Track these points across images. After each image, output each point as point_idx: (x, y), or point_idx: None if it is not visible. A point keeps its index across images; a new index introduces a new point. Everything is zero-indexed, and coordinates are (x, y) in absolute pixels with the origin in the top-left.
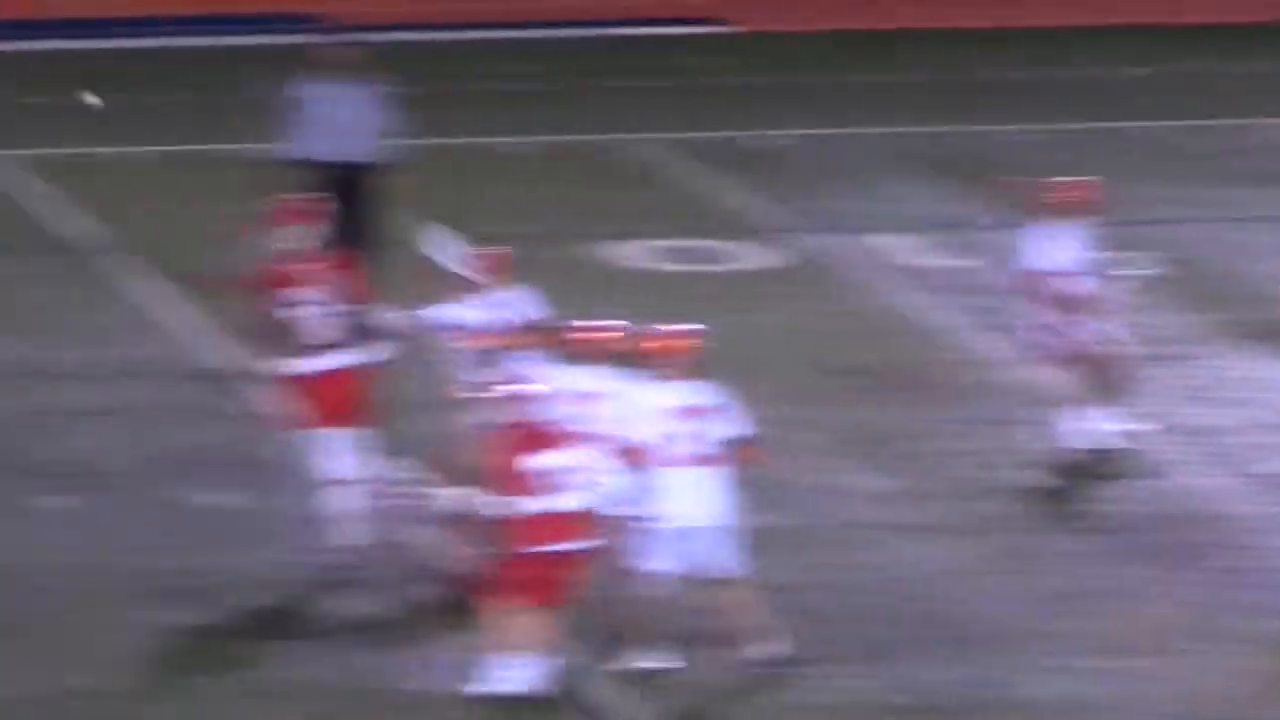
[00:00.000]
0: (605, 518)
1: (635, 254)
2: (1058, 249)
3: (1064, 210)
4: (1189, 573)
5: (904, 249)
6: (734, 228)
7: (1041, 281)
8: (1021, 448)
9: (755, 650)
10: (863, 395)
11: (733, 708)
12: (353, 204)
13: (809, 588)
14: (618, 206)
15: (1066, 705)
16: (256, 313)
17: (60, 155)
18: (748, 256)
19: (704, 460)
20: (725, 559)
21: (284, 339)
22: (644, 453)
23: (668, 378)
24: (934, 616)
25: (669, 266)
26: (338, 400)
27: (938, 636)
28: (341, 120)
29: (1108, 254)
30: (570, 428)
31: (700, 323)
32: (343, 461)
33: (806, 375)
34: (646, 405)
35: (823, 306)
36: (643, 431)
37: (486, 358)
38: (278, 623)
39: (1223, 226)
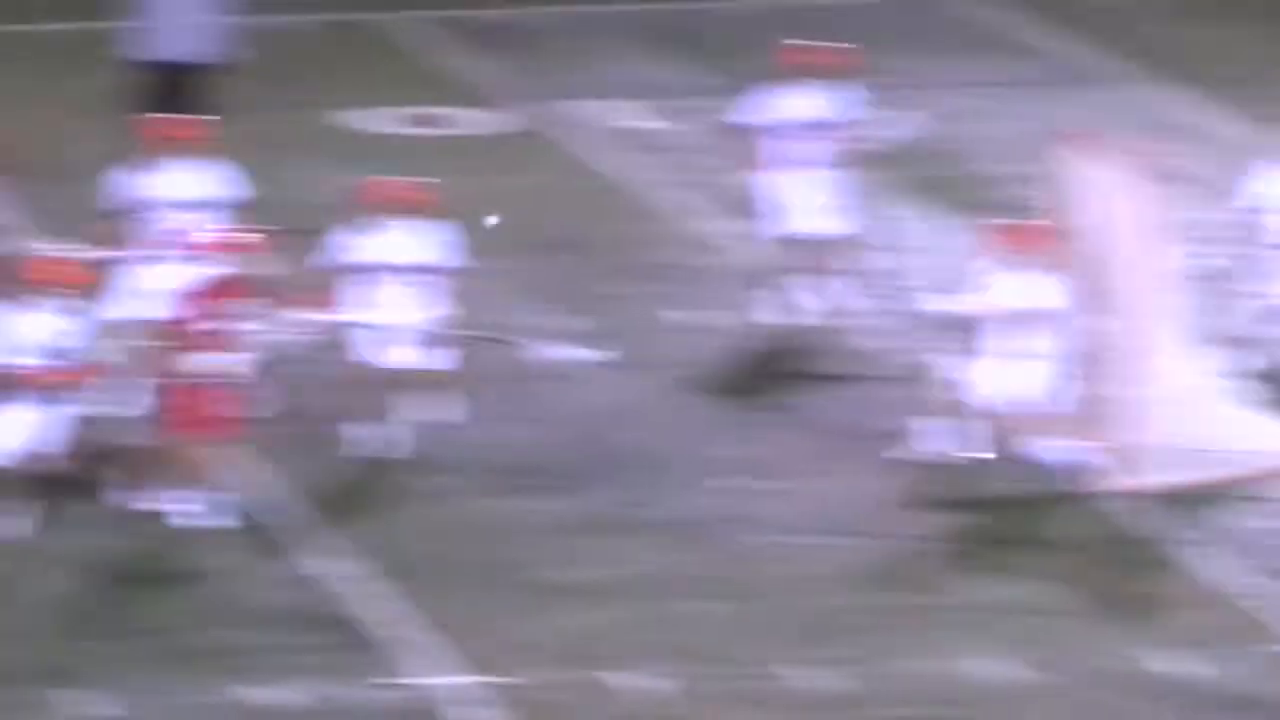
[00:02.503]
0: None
1: (379, 120)
2: (784, 108)
3: (807, 72)
4: (838, 404)
5: (627, 113)
6: (473, 97)
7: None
8: (708, 299)
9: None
10: (555, 252)
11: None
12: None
13: (508, 419)
14: (368, 78)
15: (716, 519)
16: None
17: None
18: (484, 122)
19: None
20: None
21: None
22: None
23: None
24: (608, 445)
25: (408, 130)
26: None
27: (611, 463)
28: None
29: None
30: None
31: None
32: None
33: (514, 233)
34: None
35: (545, 167)
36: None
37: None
38: None
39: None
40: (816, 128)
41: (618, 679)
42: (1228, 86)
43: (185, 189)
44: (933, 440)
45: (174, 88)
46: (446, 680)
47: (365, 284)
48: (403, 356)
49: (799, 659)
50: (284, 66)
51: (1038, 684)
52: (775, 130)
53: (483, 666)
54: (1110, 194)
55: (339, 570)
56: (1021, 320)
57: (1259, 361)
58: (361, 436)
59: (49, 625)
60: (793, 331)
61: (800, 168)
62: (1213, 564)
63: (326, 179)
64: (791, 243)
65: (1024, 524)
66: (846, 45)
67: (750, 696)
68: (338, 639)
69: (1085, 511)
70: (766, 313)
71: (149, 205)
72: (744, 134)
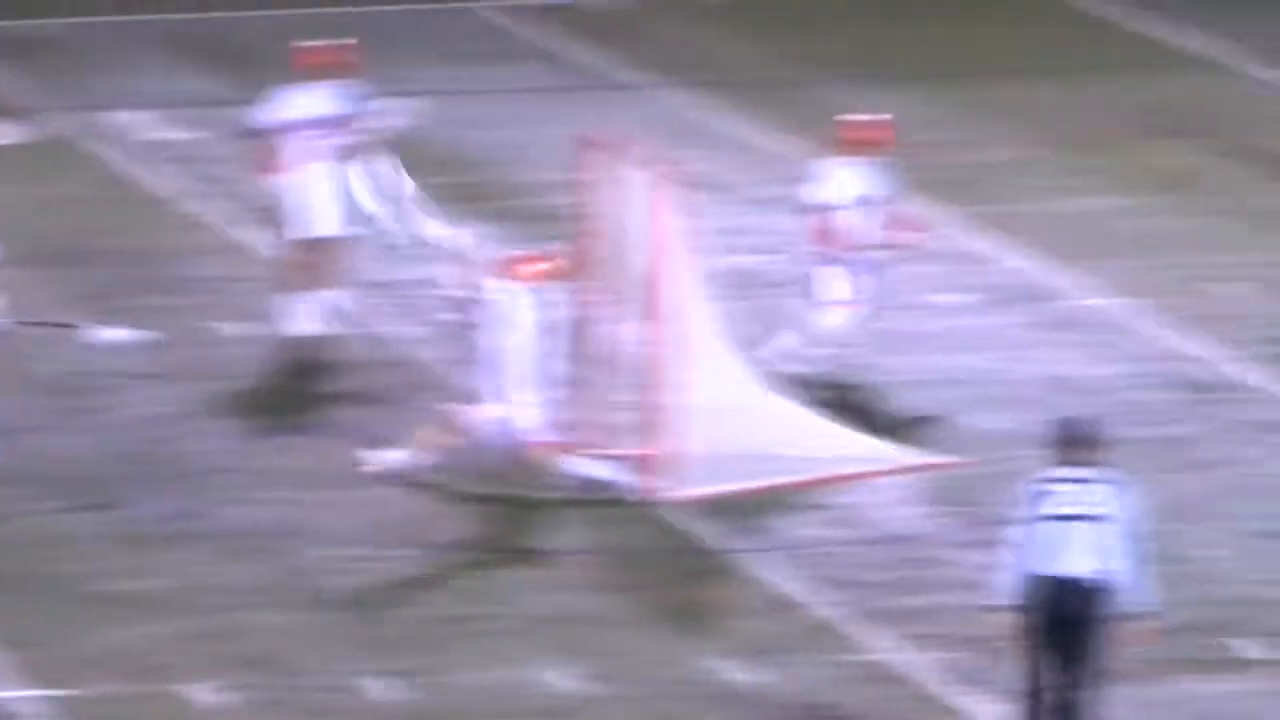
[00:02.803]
0: None
1: None
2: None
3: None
4: (384, 411)
5: (154, 124)
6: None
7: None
8: (248, 310)
9: None
10: (92, 263)
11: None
12: None
13: (58, 429)
14: None
15: (271, 530)
16: None
17: None
18: (9, 133)
19: None
20: None
21: None
22: None
23: None
24: (161, 457)
25: None
26: None
27: (164, 474)
28: None
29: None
30: None
31: None
32: None
33: (50, 243)
34: None
35: (76, 178)
36: None
37: None
38: None
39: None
40: (324, 124)
41: (186, 691)
42: (756, 92)
43: None
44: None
45: None
46: (10, 694)
47: None
48: None
49: (366, 670)
50: None
51: (604, 694)
52: (288, 130)
53: (47, 680)
54: (637, 200)
55: None
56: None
57: (811, 366)
58: None
59: None
60: (325, 340)
61: (315, 166)
62: (771, 572)
63: None
64: (315, 245)
65: (580, 534)
66: (349, 42)
67: (319, 709)
68: None
69: (641, 521)
70: (301, 321)
71: None
72: (260, 137)
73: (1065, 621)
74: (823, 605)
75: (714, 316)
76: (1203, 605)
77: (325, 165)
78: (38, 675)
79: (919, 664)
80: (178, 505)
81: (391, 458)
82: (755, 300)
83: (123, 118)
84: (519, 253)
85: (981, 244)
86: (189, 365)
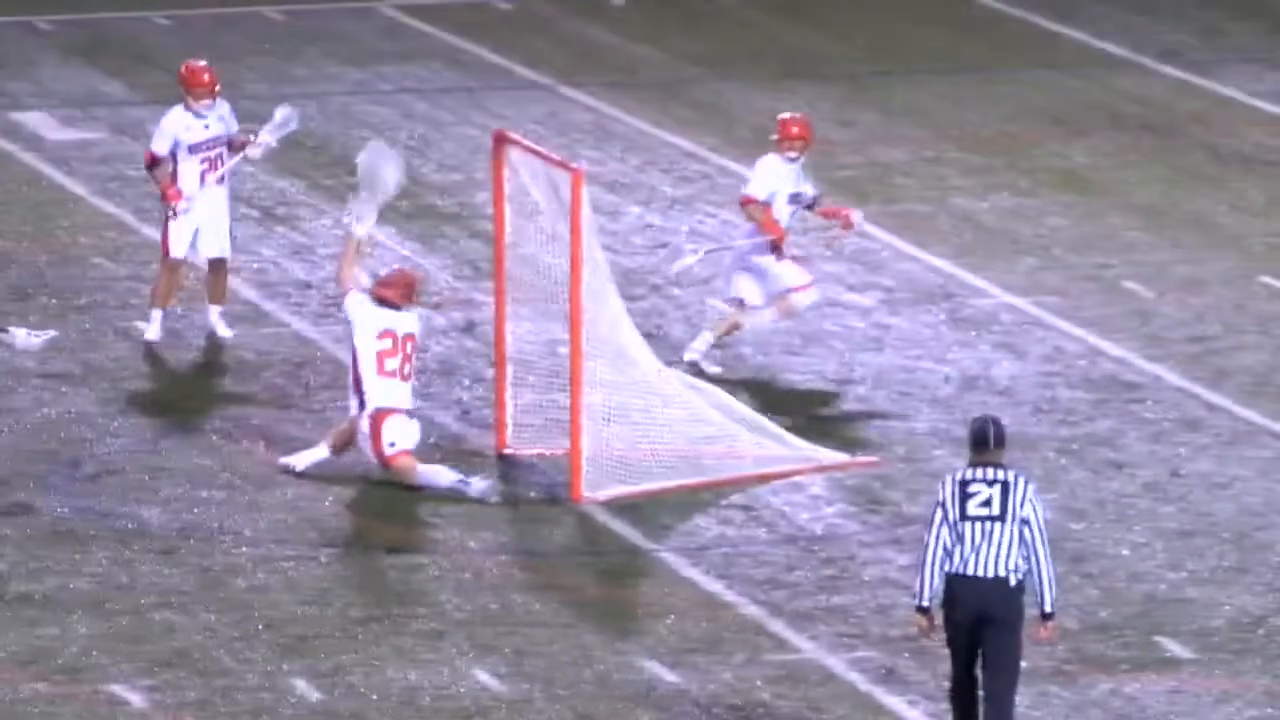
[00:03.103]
0: None
1: None
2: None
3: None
4: (299, 412)
5: (40, 124)
6: None
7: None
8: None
9: None
10: None
11: None
12: None
13: None
14: None
15: (181, 530)
16: None
17: None
18: None
19: None
20: None
21: None
22: None
23: None
24: (69, 455)
25: None
26: None
27: (72, 473)
28: None
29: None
30: None
31: None
32: None
33: None
34: None
35: None
36: None
37: None
38: None
39: (324, 102)
40: (211, 145)
41: (111, 691)
42: (662, 91)
43: None
44: None
45: None
46: None
47: None
48: None
49: (288, 670)
50: None
51: (527, 695)
52: (179, 153)
53: None
54: (549, 199)
55: None
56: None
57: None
58: None
59: None
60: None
61: (206, 187)
62: (695, 571)
63: None
64: (212, 264)
65: (501, 534)
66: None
67: (245, 708)
68: None
69: (563, 521)
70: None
71: None
72: (158, 164)
73: (982, 620)
74: (747, 605)
75: (628, 316)
76: (1130, 605)
77: (214, 186)
78: None
79: (845, 664)
80: (92, 503)
81: (310, 457)
82: (666, 299)
83: (31, 117)
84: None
85: (890, 242)
86: (99, 366)
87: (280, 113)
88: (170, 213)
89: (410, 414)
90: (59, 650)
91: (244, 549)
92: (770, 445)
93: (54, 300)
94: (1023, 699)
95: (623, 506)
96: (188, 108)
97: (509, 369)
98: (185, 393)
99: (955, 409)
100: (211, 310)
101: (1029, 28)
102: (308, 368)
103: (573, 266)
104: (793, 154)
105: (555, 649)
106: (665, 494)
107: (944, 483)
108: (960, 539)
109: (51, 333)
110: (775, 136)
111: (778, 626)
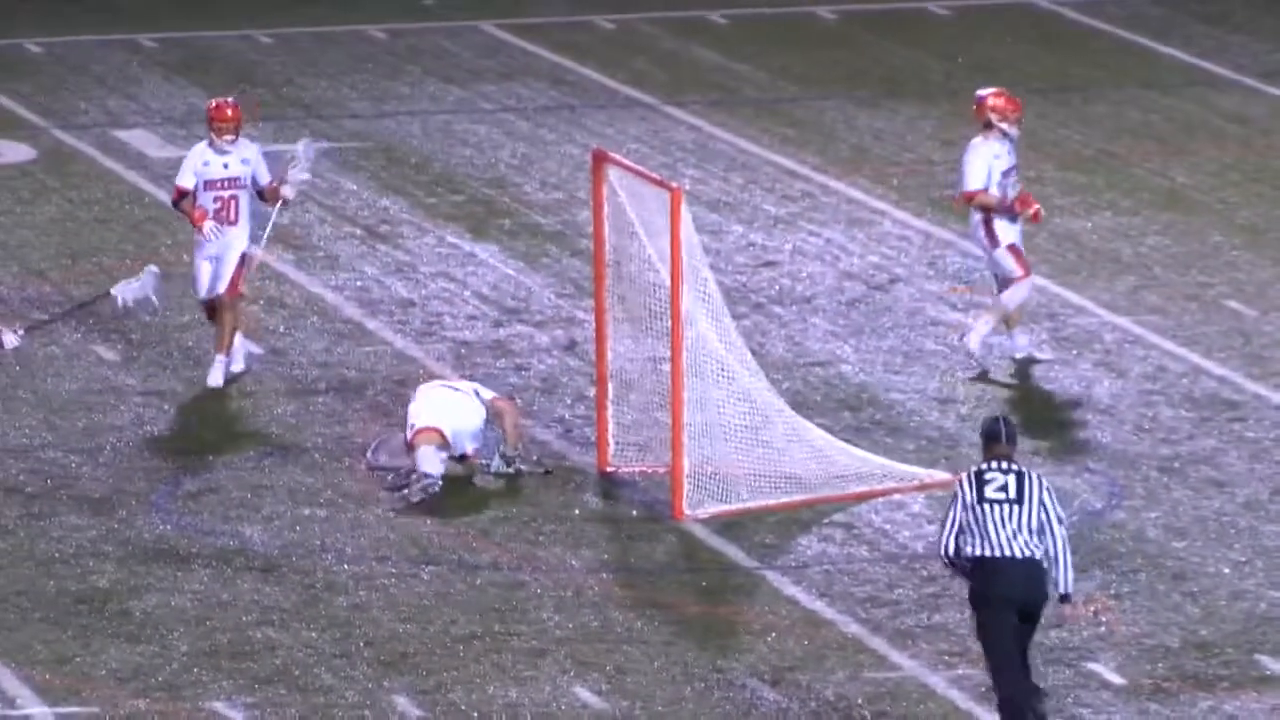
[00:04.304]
0: None
1: None
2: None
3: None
4: (399, 430)
5: (143, 142)
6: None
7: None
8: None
9: None
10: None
11: None
12: None
13: None
14: None
15: (279, 547)
16: None
17: None
18: (10, 153)
19: None
20: None
21: None
22: None
23: None
24: (171, 473)
25: None
26: None
27: (174, 491)
28: None
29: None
30: None
31: None
32: None
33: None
34: None
35: (71, 194)
36: None
37: None
38: None
39: (426, 120)
40: (233, 183)
41: (212, 708)
42: (764, 109)
43: None
44: None
45: None
46: (24, 713)
47: None
48: None
49: (389, 688)
50: None
51: (628, 712)
52: (203, 189)
53: (63, 698)
54: (651, 218)
55: None
56: None
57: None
58: None
59: None
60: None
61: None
62: (796, 589)
63: None
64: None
65: (601, 551)
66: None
67: None
68: None
69: (663, 538)
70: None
71: None
72: (184, 198)
73: (1028, 602)
74: (848, 622)
75: (732, 334)
76: (1230, 623)
77: (226, 226)
78: (52, 693)
79: (945, 681)
80: (193, 522)
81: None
82: (769, 318)
83: (134, 135)
84: None
85: None
86: (201, 384)
87: (301, 145)
88: (201, 237)
89: None
90: (160, 667)
91: (345, 566)
92: (871, 463)
93: (156, 318)
94: (1123, 717)
95: (723, 524)
96: (211, 144)
97: (610, 387)
98: (287, 410)
99: (1055, 428)
100: (217, 360)
101: (1129, 47)
102: (409, 385)
103: (672, 284)
104: (1010, 128)
105: (656, 666)
106: (766, 512)
107: (960, 479)
108: (979, 521)
109: (152, 269)
110: (994, 118)
111: (878, 644)
